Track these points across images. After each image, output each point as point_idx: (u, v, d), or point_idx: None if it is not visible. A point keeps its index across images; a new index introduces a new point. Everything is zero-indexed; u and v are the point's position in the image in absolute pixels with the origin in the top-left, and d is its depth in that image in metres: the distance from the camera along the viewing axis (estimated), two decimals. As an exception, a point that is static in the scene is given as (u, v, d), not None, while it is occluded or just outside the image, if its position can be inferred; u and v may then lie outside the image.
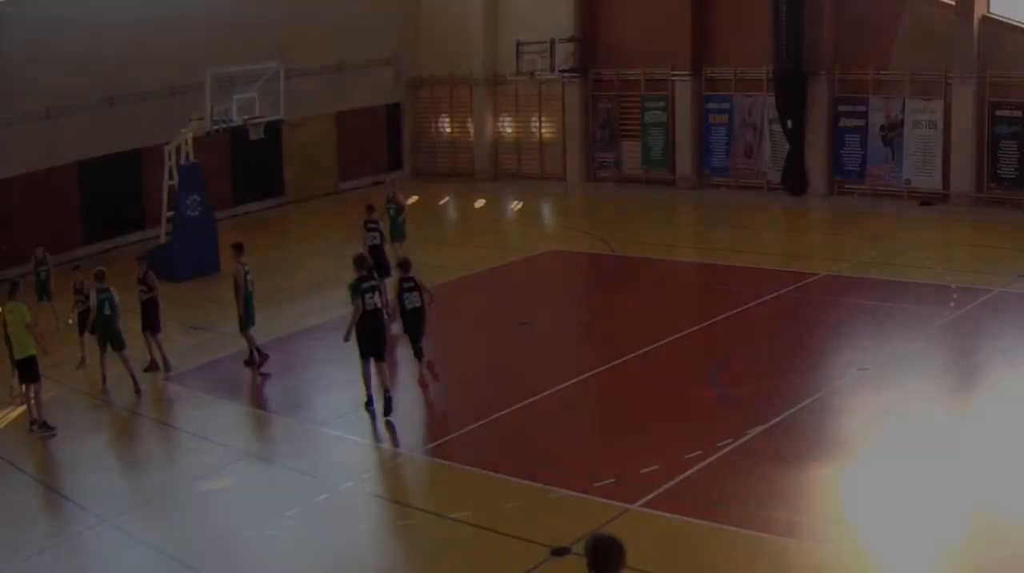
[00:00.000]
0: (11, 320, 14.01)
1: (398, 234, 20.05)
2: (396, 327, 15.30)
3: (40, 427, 13.84)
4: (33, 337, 13.97)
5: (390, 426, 13.46)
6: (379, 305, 14.07)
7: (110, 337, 15.61)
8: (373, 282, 14.27)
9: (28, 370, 13.97)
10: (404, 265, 14.90)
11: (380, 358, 13.87)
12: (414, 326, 14.50)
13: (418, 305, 14.47)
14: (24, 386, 14.13)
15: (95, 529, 11.23)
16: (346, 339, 13.80)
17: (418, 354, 14.62)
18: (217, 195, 25.09)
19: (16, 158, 23.69)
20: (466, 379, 15.42)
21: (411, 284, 14.50)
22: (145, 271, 16.71)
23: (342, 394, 15.32)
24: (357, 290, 13.76)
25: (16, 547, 10.85)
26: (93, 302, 15.79)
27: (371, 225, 18.65)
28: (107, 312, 15.50)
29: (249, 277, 16.06)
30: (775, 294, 18.34)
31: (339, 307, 19.35)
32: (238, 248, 16.31)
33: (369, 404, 13.88)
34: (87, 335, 16.49)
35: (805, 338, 16.13)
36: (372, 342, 13.78)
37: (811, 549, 9.68)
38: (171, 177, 22.96)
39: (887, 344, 15.14)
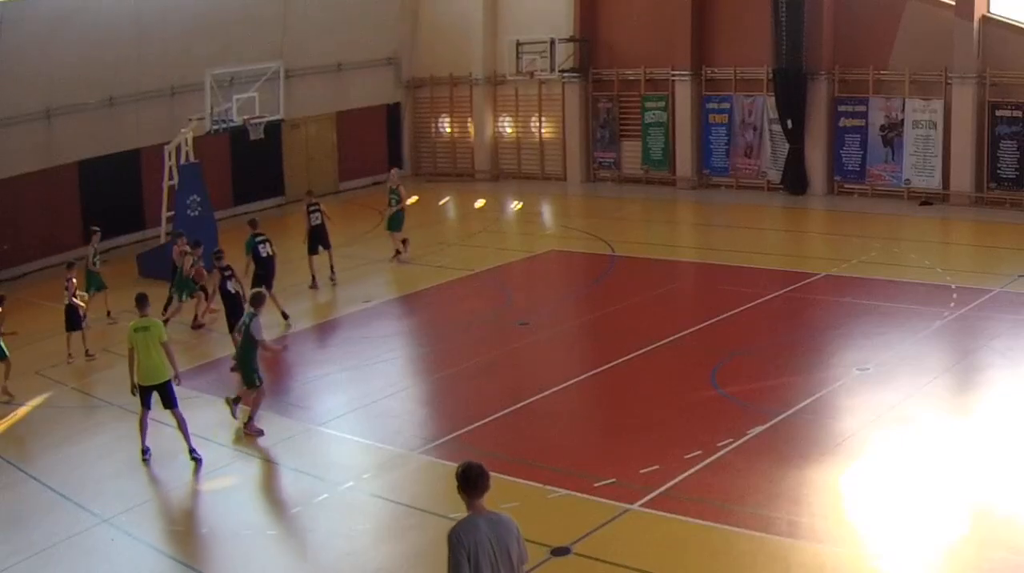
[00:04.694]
0: (143, 338, 12.82)
1: (395, 225, 22.28)
2: None
3: (192, 453, 12.87)
4: (168, 357, 12.90)
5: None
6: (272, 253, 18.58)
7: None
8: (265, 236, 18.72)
9: (164, 395, 12.92)
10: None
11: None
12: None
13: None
14: (144, 411, 12.95)
15: (95, 529, 11.23)
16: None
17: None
18: (217, 195, 25.09)
19: (16, 158, 23.71)
20: (466, 379, 15.41)
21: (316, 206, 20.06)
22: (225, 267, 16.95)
23: (342, 394, 15.34)
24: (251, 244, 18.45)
25: (16, 547, 10.86)
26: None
27: (312, 207, 20.95)
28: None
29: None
30: (775, 294, 18.35)
31: (339, 307, 19.43)
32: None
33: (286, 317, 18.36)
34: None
35: (805, 338, 16.12)
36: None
37: (811, 549, 9.68)
38: (171, 177, 22.96)
39: (887, 344, 15.14)
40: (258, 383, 13.69)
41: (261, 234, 18.67)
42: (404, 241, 22.47)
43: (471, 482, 6.54)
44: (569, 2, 29.88)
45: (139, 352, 12.82)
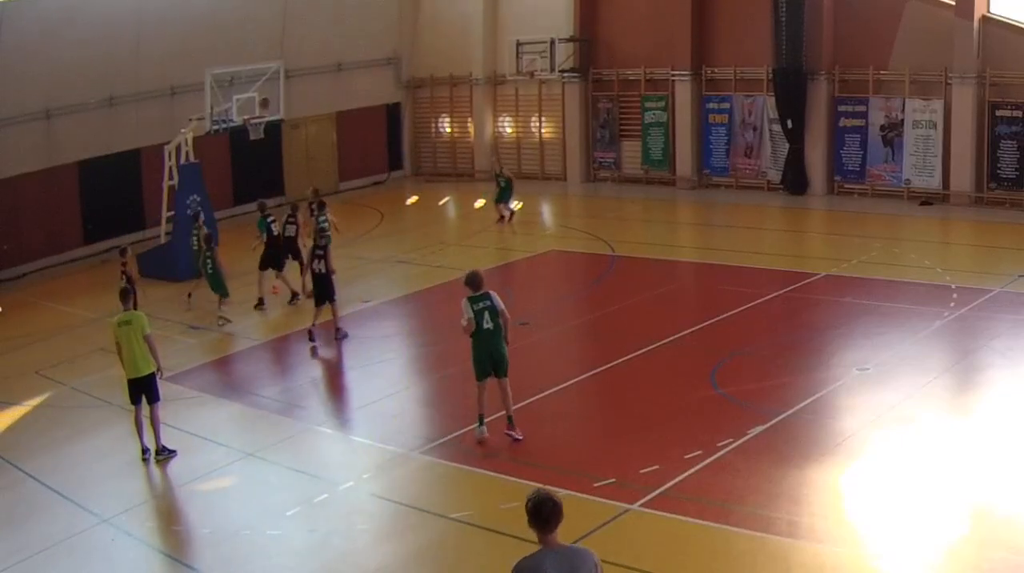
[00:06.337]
0: (126, 332, 12.82)
1: (505, 197, 25.44)
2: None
3: (160, 452, 12.93)
4: (151, 351, 12.90)
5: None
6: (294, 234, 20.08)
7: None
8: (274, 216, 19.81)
9: (147, 390, 12.95)
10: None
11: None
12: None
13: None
14: (136, 408, 12.96)
15: (95, 529, 11.23)
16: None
17: None
18: (217, 195, 25.10)
19: (16, 158, 23.72)
20: (466, 379, 15.38)
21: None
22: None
23: (342, 394, 15.35)
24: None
25: (16, 547, 10.86)
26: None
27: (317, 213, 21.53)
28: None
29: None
30: (775, 294, 18.34)
31: (339, 307, 19.38)
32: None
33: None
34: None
35: (805, 338, 16.12)
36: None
37: (811, 549, 9.67)
38: (171, 177, 22.96)
39: (887, 344, 15.14)
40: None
41: (269, 214, 20.04)
42: (512, 213, 25.61)
43: (542, 518, 6.18)
44: (569, 2, 29.89)
45: (123, 346, 12.89)
